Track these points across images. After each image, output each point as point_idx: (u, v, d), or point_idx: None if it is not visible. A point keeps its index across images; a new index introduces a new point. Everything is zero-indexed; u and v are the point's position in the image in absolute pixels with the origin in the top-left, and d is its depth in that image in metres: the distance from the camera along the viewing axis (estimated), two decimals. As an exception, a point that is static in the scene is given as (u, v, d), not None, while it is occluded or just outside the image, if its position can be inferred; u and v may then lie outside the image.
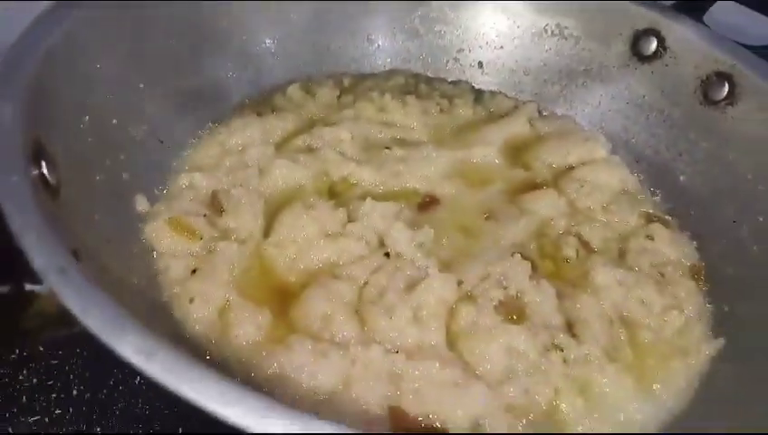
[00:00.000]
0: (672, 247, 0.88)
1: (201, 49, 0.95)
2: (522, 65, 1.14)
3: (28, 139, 0.56)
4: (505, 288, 0.75)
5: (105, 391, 0.64)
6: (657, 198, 0.99)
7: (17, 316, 0.47)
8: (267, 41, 1.04)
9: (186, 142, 0.90)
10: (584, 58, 1.09)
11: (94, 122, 0.73)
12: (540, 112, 1.11)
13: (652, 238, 0.88)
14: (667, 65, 1.01)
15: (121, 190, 0.75)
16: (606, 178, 0.98)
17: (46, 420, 0.62)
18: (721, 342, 0.76)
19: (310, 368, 0.63)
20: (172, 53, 0.90)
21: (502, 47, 1.15)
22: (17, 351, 0.62)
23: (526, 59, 1.14)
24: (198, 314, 0.66)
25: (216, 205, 0.80)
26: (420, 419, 0.62)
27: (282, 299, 0.73)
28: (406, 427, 0.60)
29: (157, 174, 0.83)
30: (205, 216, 0.78)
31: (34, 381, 0.65)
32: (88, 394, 0.65)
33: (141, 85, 0.84)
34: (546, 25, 1.11)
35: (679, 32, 0.99)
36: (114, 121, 0.78)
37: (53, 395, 0.64)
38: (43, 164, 0.57)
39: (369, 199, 0.84)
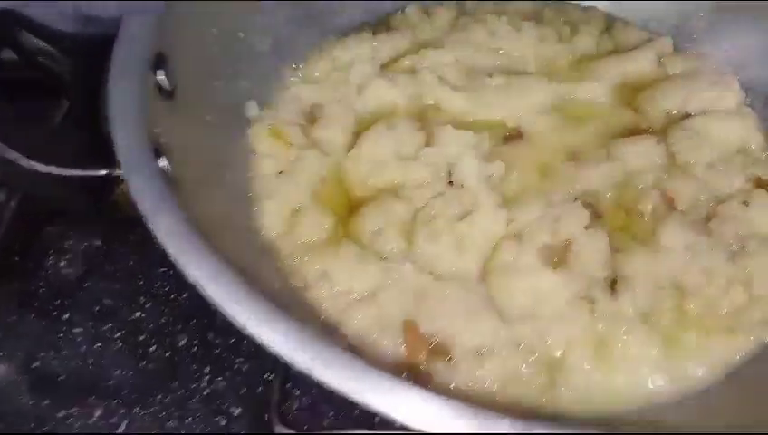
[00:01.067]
0: (768, 218, 0.80)
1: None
2: (666, -7, 1.03)
3: (150, 50, 0.70)
4: (555, 233, 0.77)
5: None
6: (783, 164, 0.88)
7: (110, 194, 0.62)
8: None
9: (305, 55, 1.00)
10: (736, -10, 0.96)
11: (221, 35, 0.86)
12: (680, 49, 1.01)
13: (747, 204, 0.81)
14: (837, 7, 0.85)
15: (237, 96, 0.88)
16: (724, 131, 0.89)
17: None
18: (778, 331, 0.71)
19: (349, 272, 0.74)
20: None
21: (647, -29, 1.04)
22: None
23: (672, -14, 1.02)
24: (271, 211, 0.79)
25: (312, 117, 0.90)
26: (430, 336, 0.70)
27: (349, 209, 0.83)
28: (414, 340, 0.69)
29: (273, 83, 0.94)
30: (300, 125, 0.89)
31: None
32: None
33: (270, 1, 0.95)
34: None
35: None
36: (240, 35, 0.91)
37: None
38: (160, 72, 0.71)
39: (449, 126, 0.88)
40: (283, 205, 0.80)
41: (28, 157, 0.57)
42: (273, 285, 0.73)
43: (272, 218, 0.79)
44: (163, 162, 0.62)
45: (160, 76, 0.70)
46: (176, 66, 0.75)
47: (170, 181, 0.62)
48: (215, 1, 0.84)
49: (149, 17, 0.69)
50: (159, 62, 0.71)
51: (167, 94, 0.72)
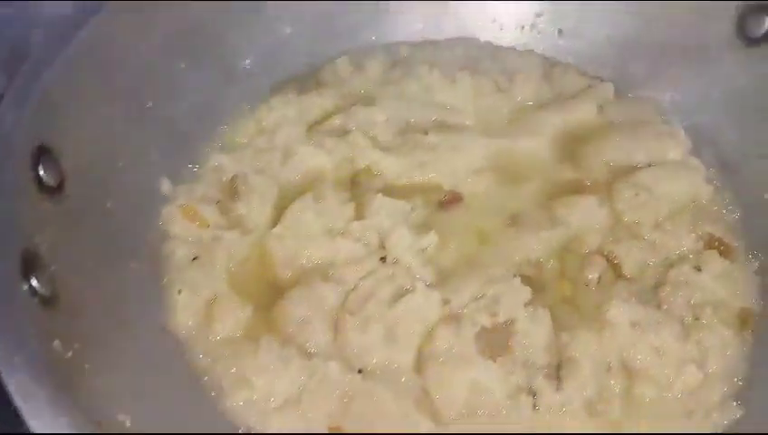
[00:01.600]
0: (722, 283, 0.75)
1: (249, 20, 0.95)
2: (606, 35, 0.99)
3: (29, 145, 0.62)
4: (494, 315, 0.71)
5: None
6: (735, 217, 0.84)
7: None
8: (319, 7, 1.00)
9: (225, 119, 0.93)
10: (682, 33, 0.92)
11: (125, 108, 0.79)
12: (622, 95, 0.97)
13: (699, 269, 0.76)
14: (778, 52, 0.82)
15: (146, 173, 0.81)
16: (672, 186, 0.85)
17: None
18: (737, 412, 0.66)
19: (269, 373, 0.67)
20: (218, 28, 0.91)
21: (587, 12, 1.00)
22: None
23: (614, 28, 0.98)
24: (185, 304, 0.72)
25: (232, 190, 0.83)
26: (357, 441, 0.63)
27: (272, 295, 0.76)
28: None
29: (188, 153, 0.87)
30: (218, 202, 0.82)
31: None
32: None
33: (183, 65, 0.88)
34: (640, -10, 0.94)
35: (800, 11, 0.78)
36: (149, 105, 0.83)
37: None
38: (42, 168, 0.63)
39: (379, 195, 0.82)
40: (197, 296, 0.73)
41: None
42: (185, 398, 0.65)
43: (184, 313, 0.72)
44: (34, 282, 0.54)
45: (41, 172, 0.63)
46: (66, 155, 0.68)
47: (43, 304, 0.54)
48: (117, 71, 0.77)
49: (25, 109, 0.61)
50: (41, 155, 0.63)
51: (51, 190, 0.64)
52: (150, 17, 0.82)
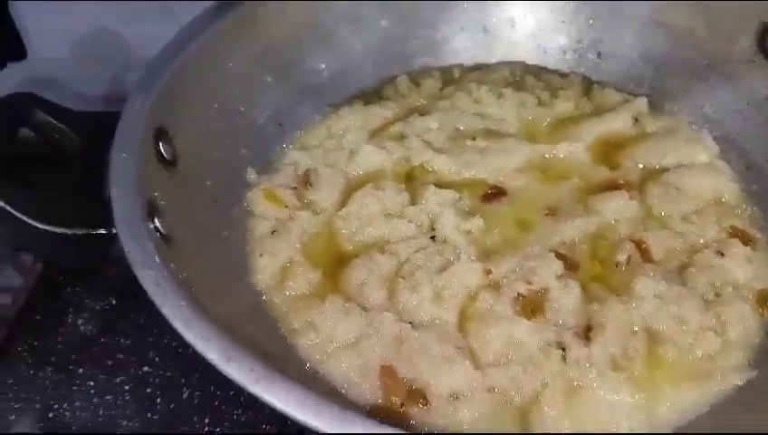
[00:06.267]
0: (744, 268, 0.82)
1: (324, 44, 1.12)
2: (642, 56, 1.10)
3: (151, 125, 0.79)
4: (529, 283, 0.81)
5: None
6: (758, 213, 0.91)
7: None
8: (382, 35, 1.16)
9: (302, 125, 1.09)
10: (707, 51, 1.02)
11: (222, 109, 0.96)
12: (656, 108, 1.07)
13: (722, 254, 0.83)
14: (795, 64, 0.90)
15: (236, 163, 0.97)
16: (699, 184, 0.93)
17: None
18: (753, 373, 0.72)
19: (333, 321, 0.79)
20: (297, 50, 1.09)
21: (623, 37, 1.11)
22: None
23: (648, 50, 1.09)
24: (264, 266, 0.86)
25: (305, 180, 0.98)
26: (407, 380, 0.73)
27: (338, 264, 0.89)
28: (392, 384, 0.72)
29: (270, 151, 1.03)
30: (294, 188, 0.97)
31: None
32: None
33: (269, 79, 1.05)
34: (670, 15, 1.05)
35: (813, 27, 0.87)
36: (241, 109, 1.00)
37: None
38: (161, 145, 0.80)
39: (431, 186, 0.94)
40: (275, 261, 0.87)
41: (38, 220, 0.65)
42: (264, 335, 0.78)
43: (264, 273, 0.85)
44: (157, 223, 0.69)
45: (161, 147, 0.79)
46: (178, 138, 0.84)
47: (164, 240, 0.69)
48: (217, 80, 0.95)
49: (148, 98, 0.78)
50: (160, 135, 0.80)
51: (168, 163, 0.80)
52: (243, 38, 0.99)
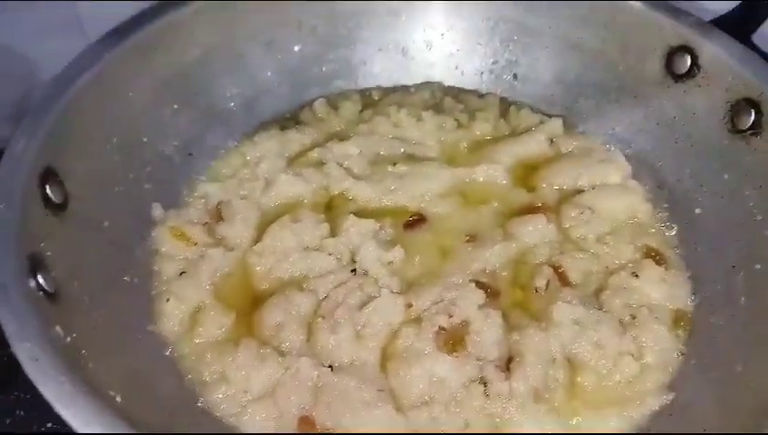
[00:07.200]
0: (658, 288, 0.84)
1: (235, 67, 1.07)
2: (556, 78, 1.11)
3: (36, 167, 0.72)
4: (451, 316, 0.79)
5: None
6: (670, 232, 0.93)
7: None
8: (298, 57, 1.12)
9: (214, 154, 1.03)
10: (619, 73, 1.04)
11: (123, 142, 0.89)
12: (570, 129, 1.08)
13: (636, 275, 0.84)
14: (699, 86, 0.93)
15: (140, 199, 0.90)
16: (613, 205, 0.94)
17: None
18: (669, 397, 0.73)
19: (247, 370, 0.74)
20: (206, 75, 1.03)
21: (537, 59, 1.12)
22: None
23: (561, 72, 1.10)
24: (171, 312, 0.80)
25: (217, 214, 0.93)
26: (326, 429, 0.70)
27: (253, 304, 0.84)
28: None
29: (179, 184, 0.97)
30: (205, 224, 0.91)
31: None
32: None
33: (175, 106, 0.99)
34: (582, 38, 1.06)
35: (712, 50, 0.90)
36: (144, 139, 0.94)
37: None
38: (48, 188, 0.72)
39: (351, 216, 0.91)
40: (184, 305, 0.81)
41: None
42: (171, 392, 0.72)
43: (171, 320, 0.80)
44: (40, 280, 0.62)
45: (47, 191, 0.72)
46: (70, 178, 0.77)
47: (50, 299, 0.62)
48: (116, 111, 0.88)
49: (35, 137, 0.71)
50: (48, 176, 0.73)
51: (56, 207, 0.73)
52: (144, 66, 0.93)
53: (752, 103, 0.84)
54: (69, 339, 0.61)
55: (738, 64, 0.87)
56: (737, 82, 0.87)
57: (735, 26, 0.93)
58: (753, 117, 0.84)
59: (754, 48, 0.92)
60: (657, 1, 0.97)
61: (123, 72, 0.90)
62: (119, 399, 0.59)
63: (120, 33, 0.90)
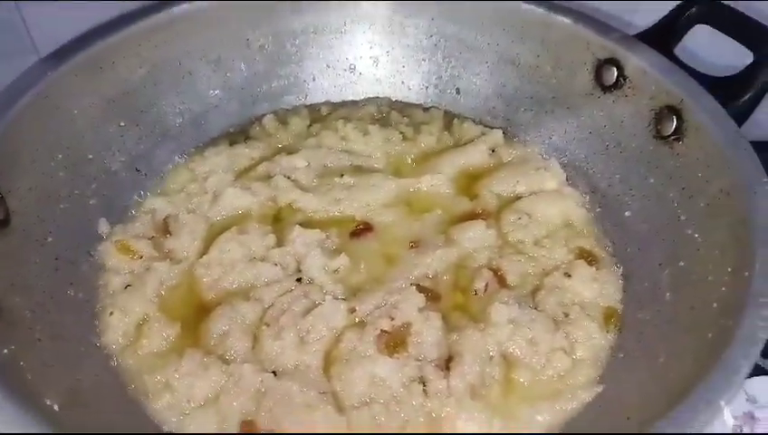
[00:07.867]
0: (589, 287, 0.88)
1: (182, 85, 1.09)
2: (496, 91, 1.16)
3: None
4: (392, 319, 0.81)
5: None
6: (603, 233, 0.97)
7: None
8: (247, 74, 1.15)
9: (162, 169, 1.05)
10: (553, 86, 1.09)
11: (67, 159, 0.90)
12: (510, 139, 1.12)
13: (569, 275, 0.88)
14: (626, 96, 0.99)
15: (85, 215, 0.91)
16: (549, 210, 0.99)
17: None
18: (599, 389, 0.76)
19: (190, 379, 0.75)
20: (153, 92, 1.05)
21: (478, 74, 1.17)
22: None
23: (500, 85, 1.15)
24: (115, 325, 0.80)
25: (164, 228, 0.94)
26: (269, 432, 0.71)
27: (199, 315, 0.85)
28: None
29: (127, 199, 0.98)
30: (152, 238, 0.92)
31: None
32: None
33: (122, 123, 1.00)
34: (518, 54, 1.11)
35: (636, 62, 0.96)
36: (90, 156, 0.95)
37: None
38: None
39: (297, 226, 0.93)
40: (128, 318, 0.82)
41: None
42: (113, 403, 0.73)
43: (115, 333, 0.80)
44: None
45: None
46: (12, 195, 0.78)
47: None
48: (59, 128, 0.89)
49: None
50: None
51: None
52: (89, 83, 0.94)
53: (674, 111, 0.90)
54: (6, 351, 0.61)
55: (661, 75, 0.93)
56: (660, 92, 0.92)
57: (659, 40, 0.99)
58: (675, 123, 0.90)
59: (676, 60, 0.98)
60: (586, 17, 1.03)
61: (67, 91, 0.91)
62: (56, 407, 0.60)
63: (65, 52, 0.92)
